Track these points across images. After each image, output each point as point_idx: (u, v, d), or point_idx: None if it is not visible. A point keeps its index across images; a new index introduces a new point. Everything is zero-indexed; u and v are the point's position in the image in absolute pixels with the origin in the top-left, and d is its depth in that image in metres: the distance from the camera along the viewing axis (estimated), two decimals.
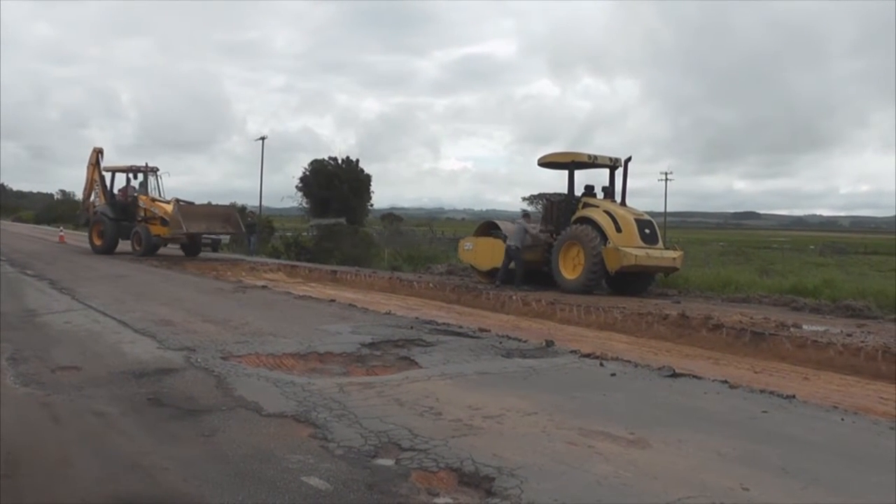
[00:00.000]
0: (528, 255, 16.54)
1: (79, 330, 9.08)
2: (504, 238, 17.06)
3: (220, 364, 7.18)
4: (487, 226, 18.68)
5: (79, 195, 29.07)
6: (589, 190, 16.91)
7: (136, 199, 23.45)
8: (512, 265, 16.64)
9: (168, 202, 23.14)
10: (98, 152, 25.19)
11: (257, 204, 57.46)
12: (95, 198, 24.72)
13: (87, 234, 25.44)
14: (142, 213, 23.34)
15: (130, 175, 24.15)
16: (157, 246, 23.12)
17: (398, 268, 24.26)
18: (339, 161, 52.68)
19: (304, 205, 53.05)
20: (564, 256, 16.00)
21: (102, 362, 7.17)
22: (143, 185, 24.06)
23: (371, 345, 8.43)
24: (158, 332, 8.86)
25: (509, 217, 23.65)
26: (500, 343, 8.82)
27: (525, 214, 18.02)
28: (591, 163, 16.59)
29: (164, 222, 22.70)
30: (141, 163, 24.41)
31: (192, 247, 24.00)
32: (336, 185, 49.87)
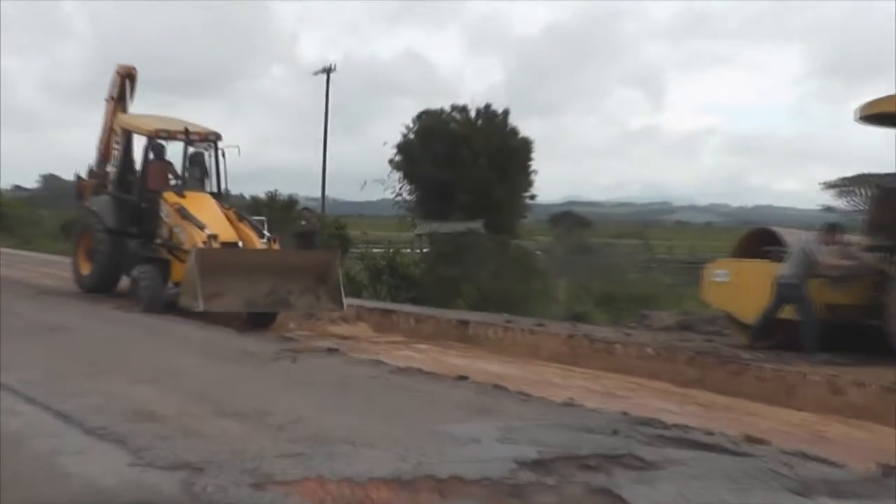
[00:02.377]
0: (835, 296, 16.64)
1: None
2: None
3: (251, 498, 7.15)
4: (758, 238, 18.64)
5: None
6: None
7: (157, 198, 23.05)
8: (787, 311, 16.76)
9: (201, 226, 21.75)
10: (126, 77, 25.94)
11: (315, 193, 59.00)
12: (112, 169, 25.14)
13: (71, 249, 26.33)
14: (164, 230, 22.76)
15: (160, 145, 24.11)
16: (168, 300, 21.75)
17: (584, 316, 24.15)
18: (472, 114, 53.22)
19: (406, 196, 53.91)
20: None
21: (22, 496, 7.20)
22: (192, 168, 24.12)
23: (537, 464, 8.29)
24: (132, 435, 8.91)
25: (803, 221, 23.04)
26: (788, 467, 8.54)
27: (829, 229, 17.40)
28: None
29: None
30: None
31: (257, 313, 22.30)
32: (465, 159, 50.33)
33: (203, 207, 22.82)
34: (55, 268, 35.32)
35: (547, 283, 32.65)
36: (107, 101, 26.02)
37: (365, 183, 55.42)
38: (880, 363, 15.25)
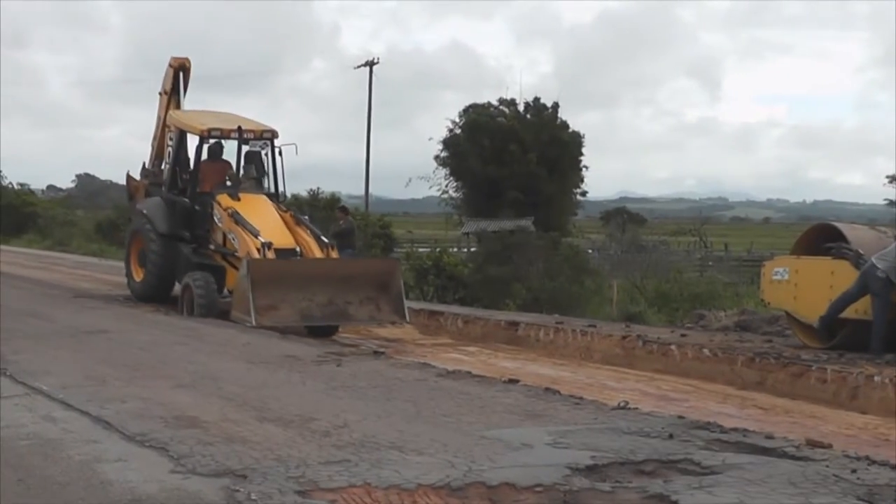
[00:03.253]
0: None
1: (17, 437, 9.34)
2: (857, 258, 16.95)
3: None
4: (820, 235, 18.56)
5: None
6: None
7: (211, 201, 22.80)
8: (866, 311, 16.63)
9: (255, 233, 21.37)
10: (177, 69, 25.50)
11: (359, 191, 59.12)
12: (166, 167, 24.85)
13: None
14: (218, 235, 22.58)
15: (216, 143, 23.74)
16: (222, 309, 21.31)
17: (638, 316, 24.05)
18: (521, 107, 53.18)
19: (452, 193, 53.90)
20: None
21: (62, 503, 7.24)
22: (247, 168, 23.80)
23: (591, 470, 8.31)
24: (173, 441, 9.01)
25: (866, 216, 22.85)
26: (852, 472, 8.50)
27: None
28: None
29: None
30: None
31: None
32: (514, 154, 50.33)
33: (258, 211, 22.43)
34: (91, 269, 35.62)
35: (599, 282, 32.48)
36: (160, 95, 25.78)
37: (410, 180, 55.49)
38: None
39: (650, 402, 13.47)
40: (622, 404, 11.69)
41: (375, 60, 67.20)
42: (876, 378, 14.46)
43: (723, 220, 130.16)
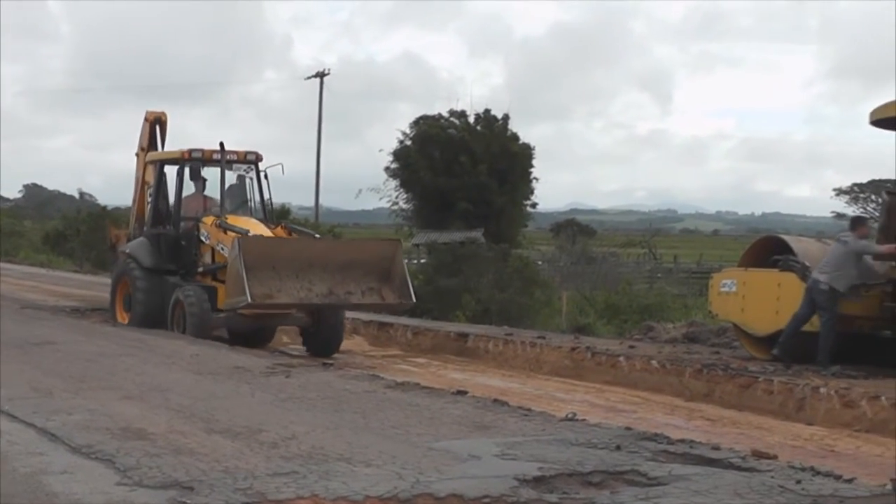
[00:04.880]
0: (847, 306, 16.58)
1: None
2: (803, 271, 17.05)
3: None
4: (767, 247, 18.70)
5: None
6: None
7: (196, 224, 22.03)
8: (812, 322, 16.69)
9: (245, 232, 20.56)
10: (153, 123, 24.45)
11: (309, 202, 59.02)
12: (149, 214, 23.49)
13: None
14: (206, 255, 21.76)
15: (196, 168, 22.64)
16: (217, 326, 20.95)
17: (587, 328, 24.17)
18: (472, 119, 53.33)
19: (402, 204, 53.99)
20: None
21: None
22: (235, 191, 22.95)
23: (538, 481, 8.32)
24: (120, 454, 8.94)
25: (813, 229, 23.03)
26: (797, 483, 8.54)
27: (857, 223, 17.65)
28: None
29: None
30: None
31: (318, 333, 21.26)
32: (464, 166, 50.47)
33: (248, 224, 21.33)
34: (38, 280, 35.41)
35: (549, 294, 32.63)
36: (137, 154, 24.74)
37: (360, 191, 55.37)
38: (893, 375, 15.26)
39: (598, 414, 13.53)
40: (570, 416, 11.75)
41: (326, 71, 67.38)
42: (822, 389, 14.57)
43: (672, 232, 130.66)
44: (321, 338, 20.83)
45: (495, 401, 12.71)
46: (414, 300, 20.68)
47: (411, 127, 53.05)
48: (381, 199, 53.71)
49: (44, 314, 22.98)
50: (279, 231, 21.62)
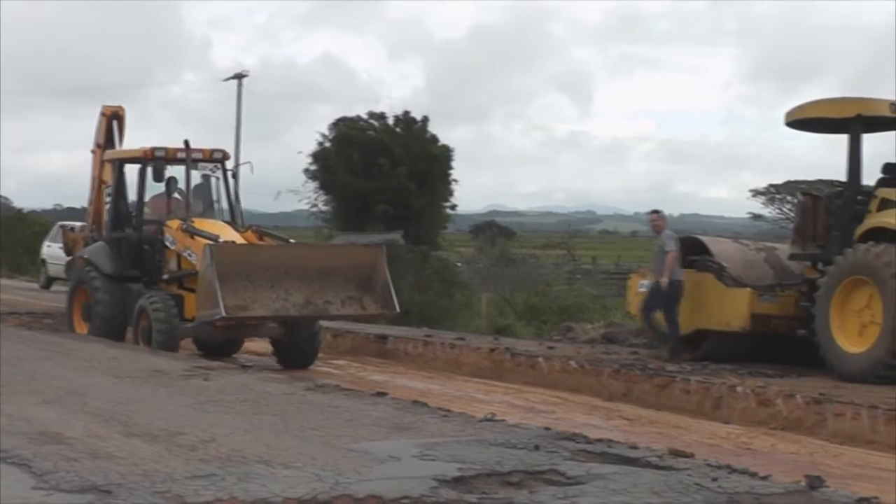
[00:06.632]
0: (762, 306, 16.99)
1: None
2: (720, 271, 17.53)
3: None
4: (684, 248, 18.81)
5: None
6: (892, 173, 16.88)
7: (160, 228, 20.73)
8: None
9: (214, 238, 19.31)
10: (110, 118, 23.26)
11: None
12: (108, 217, 22.16)
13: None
14: (172, 262, 20.48)
15: (158, 168, 20.83)
16: (184, 337, 19.90)
17: (507, 329, 24.25)
18: (391, 121, 53.31)
19: (322, 206, 53.84)
20: (842, 307, 16.09)
21: None
22: (201, 191, 21.80)
23: (457, 481, 8.33)
24: (37, 458, 8.86)
25: (731, 229, 23.32)
26: (713, 480, 8.64)
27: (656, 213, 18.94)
28: None
29: None
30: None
31: (292, 345, 20.19)
32: (384, 168, 50.41)
33: (216, 227, 20.17)
34: None
35: (469, 295, 32.74)
36: (93, 151, 23.49)
37: (279, 193, 54.98)
38: (808, 374, 15.43)
39: (518, 414, 13.59)
40: (489, 416, 11.77)
41: (245, 73, 66.89)
42: (738, 389, 14.73)
43: (591, 234, 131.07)
44: (296, 349, 19.91)
45: (415, 402, 12.75)
46: (398, 310, 19.76)
47: (330, 129, 52.85)
48: (300, 201, 53.38)
49: None
50: (249, 235, 20.59)
